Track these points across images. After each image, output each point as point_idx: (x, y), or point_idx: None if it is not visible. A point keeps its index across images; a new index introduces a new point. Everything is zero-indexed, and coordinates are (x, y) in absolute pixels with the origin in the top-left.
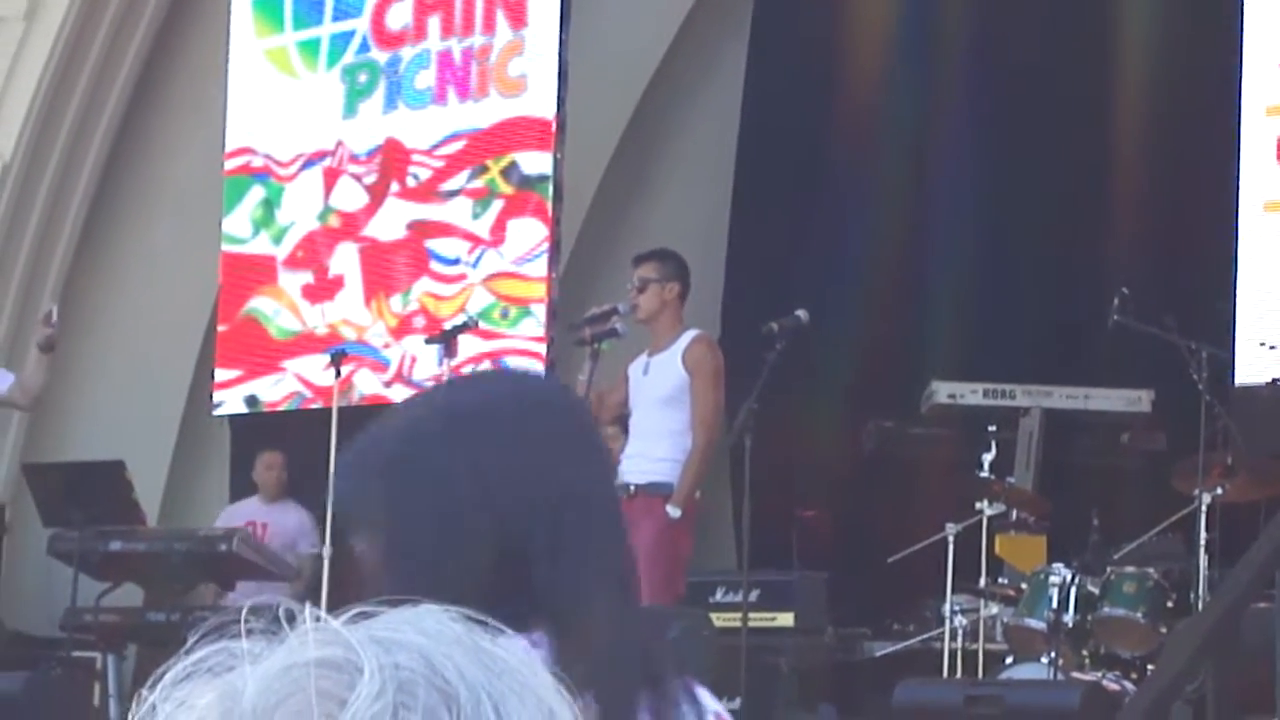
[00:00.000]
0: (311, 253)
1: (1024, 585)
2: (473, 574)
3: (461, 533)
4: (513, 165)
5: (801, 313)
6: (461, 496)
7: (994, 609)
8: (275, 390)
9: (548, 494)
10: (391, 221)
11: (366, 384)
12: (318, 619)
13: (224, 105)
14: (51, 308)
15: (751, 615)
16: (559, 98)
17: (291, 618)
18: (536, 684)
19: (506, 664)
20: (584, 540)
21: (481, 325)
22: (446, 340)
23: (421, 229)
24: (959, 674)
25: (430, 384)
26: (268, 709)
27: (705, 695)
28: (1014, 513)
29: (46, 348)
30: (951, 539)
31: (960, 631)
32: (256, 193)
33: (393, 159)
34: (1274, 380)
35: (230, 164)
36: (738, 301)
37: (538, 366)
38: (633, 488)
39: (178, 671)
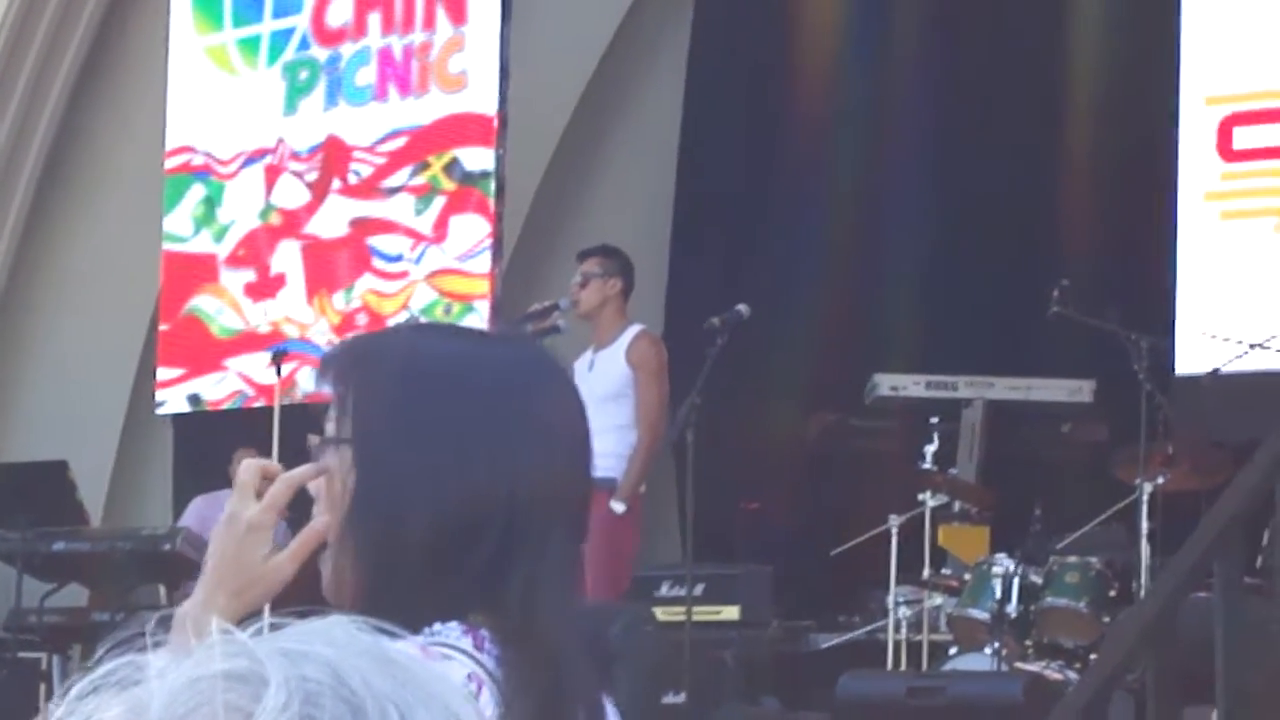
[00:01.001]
0: (253, 251)
1: (967, 576)
2: (436, 518)
3: (439, 470)
4: (454, 162)
5: (743, 307)
6: (455, 441)
7: (938, 600)
8: (218, 389)
9: (532, 478)
10: (333, 219)
11: (309, 382)
12: (225, 631)
13: (164, 103)
14: None
15: (697, 609)
16: (501, 94)
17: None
18: (444, 692)
19: (414, 674)
20: (550, 537)
21: (425, 321)
22: None
23: (363, 226)
24: (904, 665)
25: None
26: None
27: (612, 713)
28: (957, 504)
29: None
30: (895, 531)
31: (904, 623)
32: (197, 191)
33: (334, 156)
34: (1215, 369)
35: (171, 162)
36: (681, 297)
37: None
38: None
39: (84, 685)
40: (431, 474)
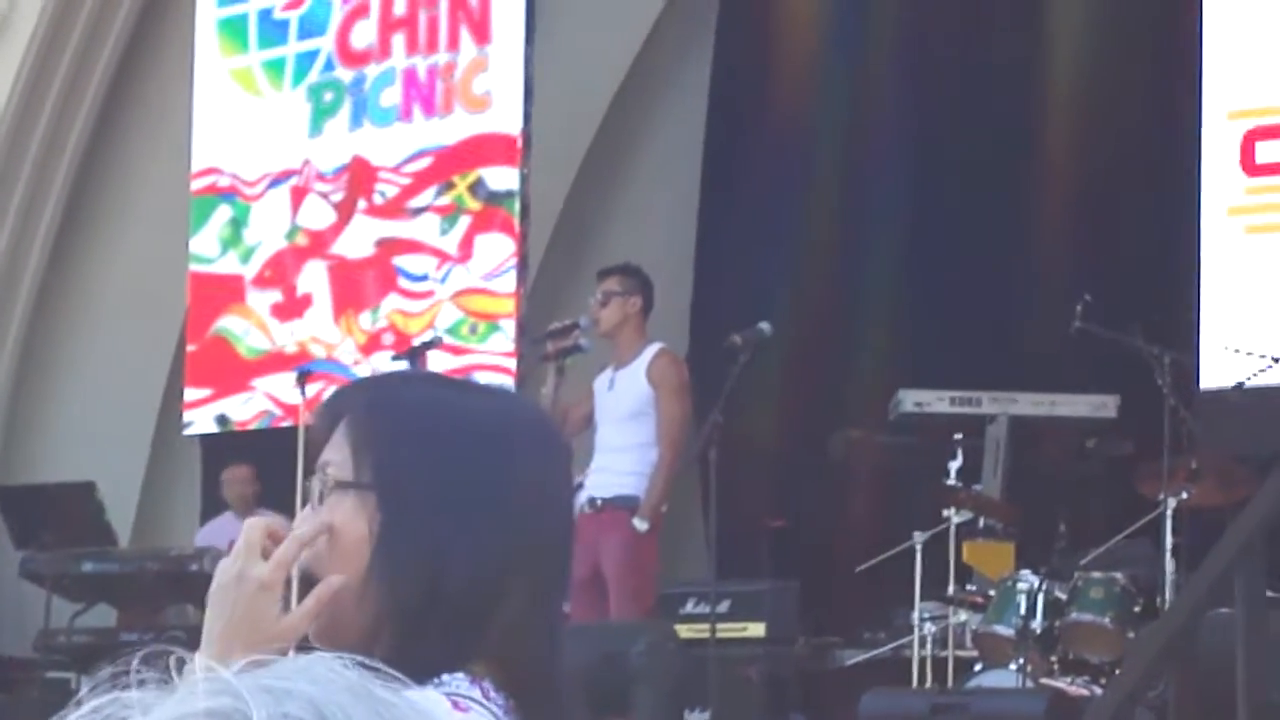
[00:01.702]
0: (279, 271)
1: (992, 592)
2: (473, 571)
3: (475, 524)
4: (479, 181)
5: (764, 325)
6: (489, 494)
7: (963, 616)
8: (245, 409)
9: (547, 532)
10: (359, 239)
11: None
12: (208, 669)
13: (189, 125)
14: None
15: (722, 626)
16: (525, 113)
17: (182, 667)
18: None
19: (398, 710)
20: (556, 589)
21: (450, 341)
22: (414, 356)
23: (389, 246)
24: (929, 681)
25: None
26: None
27: None
28: (981, 520)
29: None
30: (919, 547)
31: (929, 639)
32: (224, 212)
33: (359, 177)
34: (1239, 384)
35: (197, 184)
36: (706, 314)
37: (507, 381)
38: (599, 501)
39: None
40: (467, 528)
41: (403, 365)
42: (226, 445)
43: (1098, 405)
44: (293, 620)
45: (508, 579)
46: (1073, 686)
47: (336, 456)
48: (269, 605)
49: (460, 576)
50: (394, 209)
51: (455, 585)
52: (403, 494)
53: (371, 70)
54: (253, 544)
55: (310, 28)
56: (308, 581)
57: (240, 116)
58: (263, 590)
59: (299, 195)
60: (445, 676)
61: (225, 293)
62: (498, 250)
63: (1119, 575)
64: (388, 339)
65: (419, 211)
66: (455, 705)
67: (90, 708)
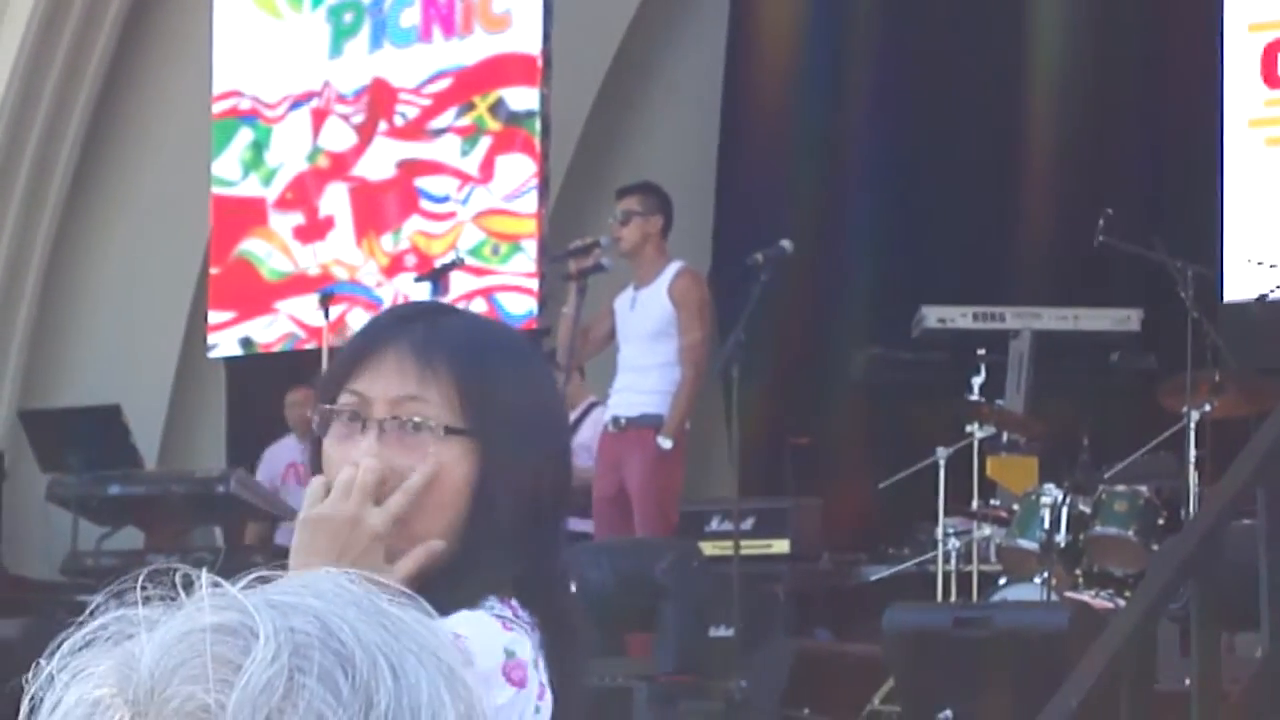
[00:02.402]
0: (301, 193)
1: (1016, 507)
2: (556, 507)
3: (552, 445)
4: (500, 102)
5: (786, 243)
6: (551, 416)
7: (986, 531)
8: (269, 332)
9: (567, 447)
10: (380, 161)
11: (360, 323)
12: (215, 584)
13: (210, 48)
14: None
15: (747, 543)
16: (544, 33)
17: (189, 584)
18: (435, 644)
19: (405, 624)
20: (566, 504)
21: (472, 262)
22: (437, 278)
23: (410, 168)
24: (954, 596)
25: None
26: (164, 675)
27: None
28: (1005, 435)
29: None
30: (943, 463)
31: (954, 554)
32: (245, 135)
33: (380, 98)
34: (1262, 296)
35: (218, 107)
36: (728, 233)
37: (530, 301)
38: (623, 420)
39: (75, 640)
40: (553, 453)
41: (425, 286)
42: (251, 367)
43: (1121, 319)
44: (396, 574)
45: (563, 511)
46: (1097, 600)
47: (433, 397)
48: (378, 555)
49: (549, 503)
50: (415, 130)
51: (545, 513)
52: (506, 435)
53: None
54: (367, 489)
55: None
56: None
57: (260, 39)
58: (375, 540)
59: (320, 117)
60: (490, 599)
61: (248, 215)
62: (519, 171)
63: (1143, 488)
64: (410, 260)
65: (440, 133)
66: (503, 625)
67: (96, 624)
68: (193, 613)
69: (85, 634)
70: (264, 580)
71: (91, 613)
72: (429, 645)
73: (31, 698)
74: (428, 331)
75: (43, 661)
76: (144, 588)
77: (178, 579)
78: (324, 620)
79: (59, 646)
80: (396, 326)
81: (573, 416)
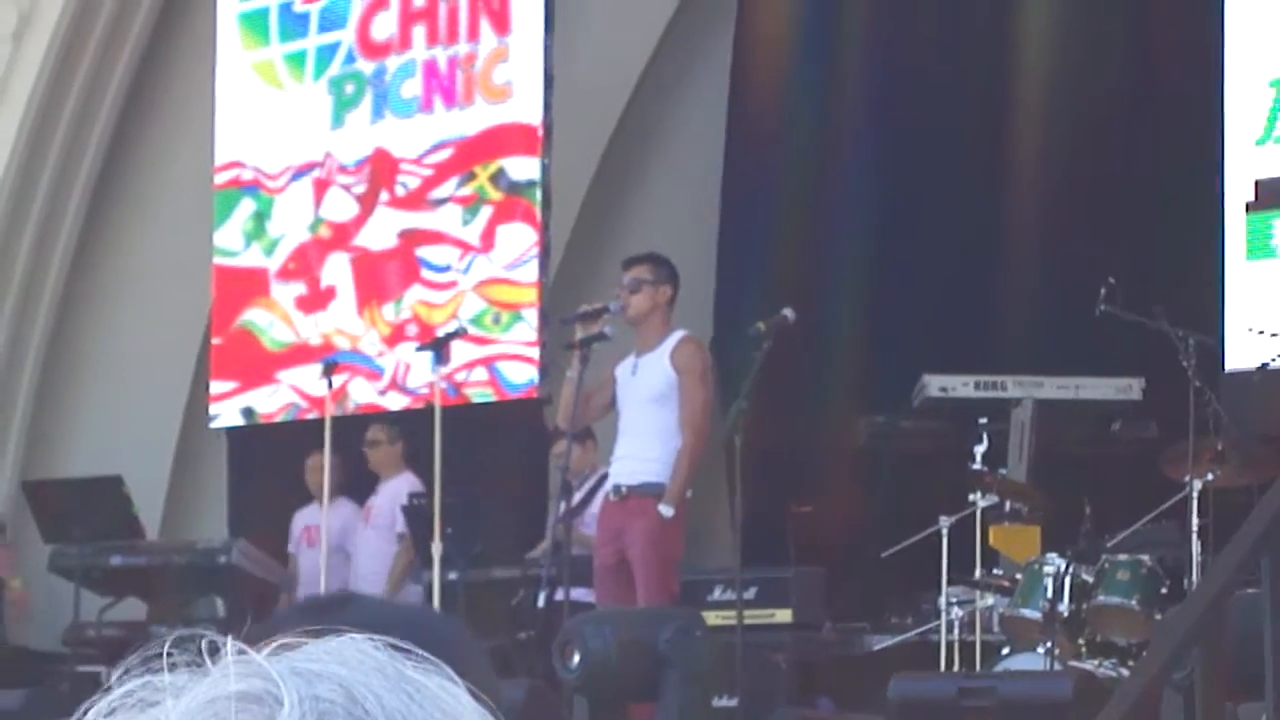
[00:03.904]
0: (303, 264)
1: (1019, 576)
2: None
3: None
4: (501, 172)
5: (788, 311)
6: None
7: (990, 600)
8: (271, 402)
9: None
10: (382, 231)
11: (361, 393)
12: (240, 651)
13: (212, 119)
14: None
15: (749, 612)
16: (545, 103)
17: (215, 650)
18: (459, 711)
19: (428, 691)
20: None
21: (474, 331)
22: (439, 347)
23: (412, 237)
24: (957, 665)
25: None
26: None
27: None
28: (1007, 504)
29: None
30: (945, 531)
31: (957, 623)
32: (247, 205)
33: (381, 168)
34: (1263, 365)
35: (220, 178)
36: (729, 302)
37: (530, 370)
38: (624, 489)
39: (102, 705)
40: None
41: (427, 356)
42: (253, 437)
43: (1122, 388)
44: None
45: None
46: (1100, 669)
47: None
48: None
49: None
50: (416, 200)
51: None
52: None
53: (392, 62)
54: None
55: (331, 20)
56: None
57: (262, 110)
58: None
59: (321, 187)
60: None
61: (250, 285)
62: (520, 240)
63: (1145, 558)
64: (411, 330)
65: (441, 202)
66: None
67: (122, 691)
68: (218, 680)
69: (111, 700)
70: (289, 647)
71: (113, 681)
72: (451, 712)
73: None
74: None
75: None
76: (169, 654)
77: (204, 646)
78: (348, 688)
79: (85, 713)
80: (297, 619)
81: (586, 487)
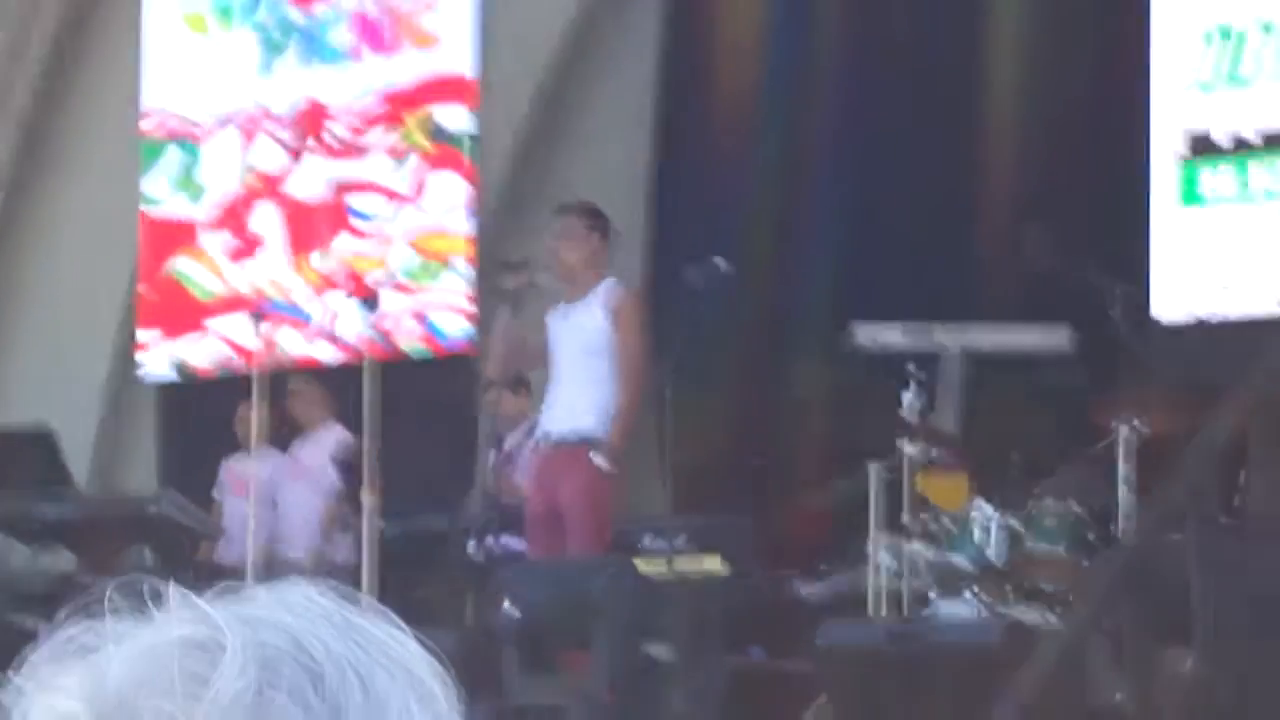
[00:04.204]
0: (232, 213)
1: (947, 523)
2: None
3: None
4: (431, 120)
5: (720, 260)
6: None
7: (918, 547)
8: (200, 352)
9: None
10: (311, 180)
11: (290, 342)
12: (184, 597)
13: (138, 66)
14: None
15: (679, 560)
16: (475, 51)
17: (158, 596)
18: (407, 657)
19: (375, 638)
20: None
21: (404, 280)
22: (369, 296)
23: (341, 186)
24: (885, 612)
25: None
26: (132, 688)
27: None
28: (935, 451)
29: None
30: (874, 479)
31: (886, 571)
32: (174, 154)
33: (311, 117)
34: (1190, 314)
35: (146, 123)
36: (662, 251)
37: (463, 322)
38: (554, 436)
39: (43, 652)
40: None
41: (356, 304)
42: (181, 387)
43: (1051, 335)
44: None
45: None
46: (1028, 615)
47: None
48: None
49: None
50: (346, 149)
51: None
52: None
53: (320, 9)
54: None
55: None
56: None
57: (189, 57)
58: None
59: (250, 136)
60: None
61: (177, 235)
62: (450, 189)
63: (1073, 504)
64: (341, 278)
65: (371, 151)
66: None
67: (64, 636)
68: (161, 625)
69: (52, 646)
70: (235, 593)
71: (55, 626)
72: (399, 659)
73: None
74: None
75: (10, 673)
76: (110, 599)
77: (146, 591)
78: (295, 635)
79: (23, 659)
80: None
81: (517, 435)
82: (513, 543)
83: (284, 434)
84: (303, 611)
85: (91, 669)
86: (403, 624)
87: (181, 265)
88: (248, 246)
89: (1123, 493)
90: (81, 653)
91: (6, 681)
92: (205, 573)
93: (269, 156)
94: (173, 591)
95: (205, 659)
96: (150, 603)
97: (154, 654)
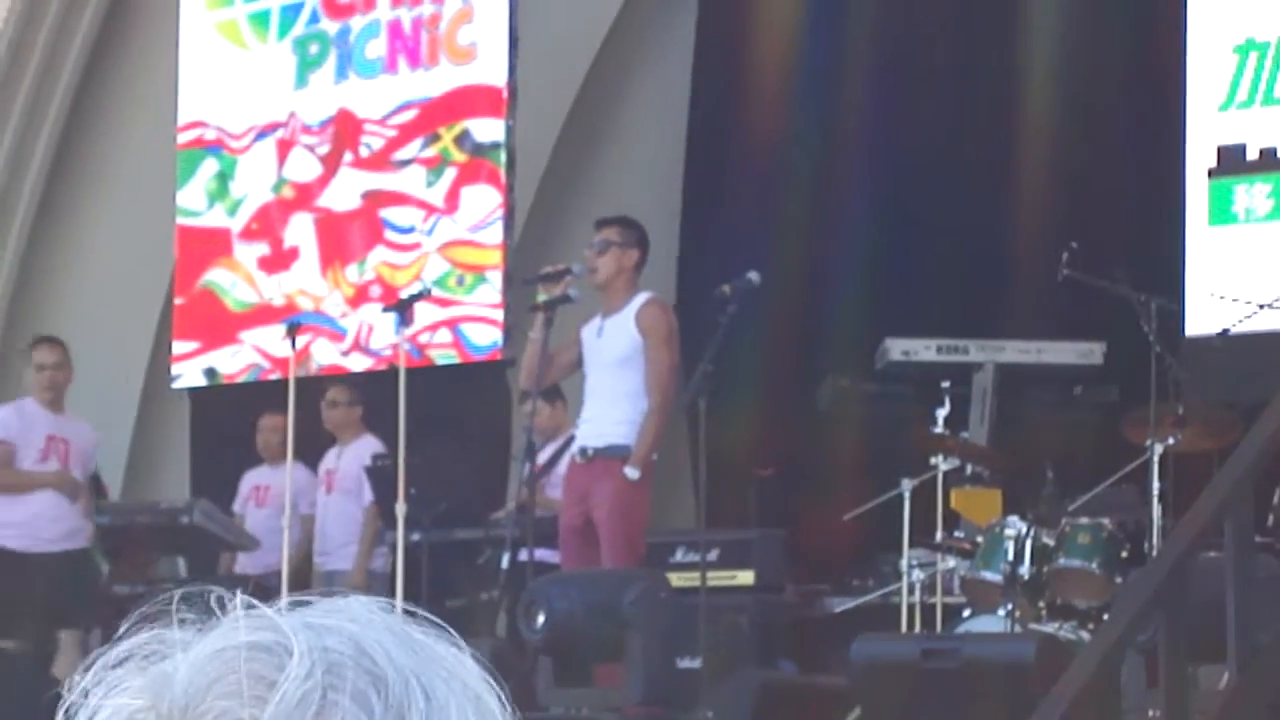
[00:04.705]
0: (266, 224)
1: (980, 539)
2: None
3: None
4: (465, 133)
5: (753, 274)
6: None
7: (951, 563)
8: (233, 362)
9: None
10: (346, 191)
11: (324, 354)
12: (249, 606)
13: (175, 79)
14: None
15: (711, 574)
16: (510, 64)
17: (223, 605)
18: (463, 671)
19: (434, 651)
20: None
21: (438, 293)
22: (403, 308)
23: (376, 198)
24: (917, 628)
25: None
26: (199, 690)
27: None
28: (969, 467)
29: None
30: (907, 494)
31: (918, 586)
32: (210, 165)
33: (345, 129)
34: (1224, 330)
35: (183, 137)
36: (693, 266)
37: (494, 332)
38: (590, 450)
39: (111, 656)
40: None
41: (391, 317)
42: (215, 398)
43: (1084, 352)
44: None
45: None
46: (1060, 631)
47: None
48: None
49: None
50: (380, 161)
51: None
52: None
53: (356, 22)
54: None
55: None
56: None
57: (226, 69)
58: None
59: (285, 148)
60: None
61: (212, 246)
62: (484, 202)
63: (1106, 521)
64: (375, 291)
65: (405, 164)
66: None
67: (130, 644)
68: (227, 631)
69: (119, 652)
70: (299, 603)
71: (121, 634)
72: (457, 672)
73: (66, 710)
74: None
75: (78, 675)
76: (177, 608)
77: (211, 601)
78: (358, 642)
79: (93, 664)
80: None
81: (552, 448)
82: (546, 555)
83: (309, 447)
84: (366, 622)
85: (158, 673)
86: (461, 641)
87: (216, 276)
88: (282, 258)
89: (1156, 510)
90: (149, 657)
91: (74, 685)
92: (227, 584)
93: (304, 168)
94: (239, 599)
95: (272, 662)
96: (218, 611)
97: (221, 657)
